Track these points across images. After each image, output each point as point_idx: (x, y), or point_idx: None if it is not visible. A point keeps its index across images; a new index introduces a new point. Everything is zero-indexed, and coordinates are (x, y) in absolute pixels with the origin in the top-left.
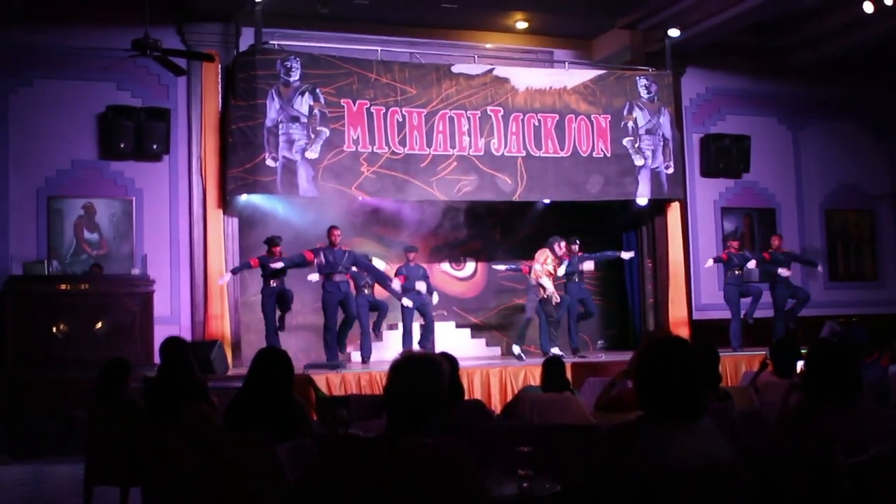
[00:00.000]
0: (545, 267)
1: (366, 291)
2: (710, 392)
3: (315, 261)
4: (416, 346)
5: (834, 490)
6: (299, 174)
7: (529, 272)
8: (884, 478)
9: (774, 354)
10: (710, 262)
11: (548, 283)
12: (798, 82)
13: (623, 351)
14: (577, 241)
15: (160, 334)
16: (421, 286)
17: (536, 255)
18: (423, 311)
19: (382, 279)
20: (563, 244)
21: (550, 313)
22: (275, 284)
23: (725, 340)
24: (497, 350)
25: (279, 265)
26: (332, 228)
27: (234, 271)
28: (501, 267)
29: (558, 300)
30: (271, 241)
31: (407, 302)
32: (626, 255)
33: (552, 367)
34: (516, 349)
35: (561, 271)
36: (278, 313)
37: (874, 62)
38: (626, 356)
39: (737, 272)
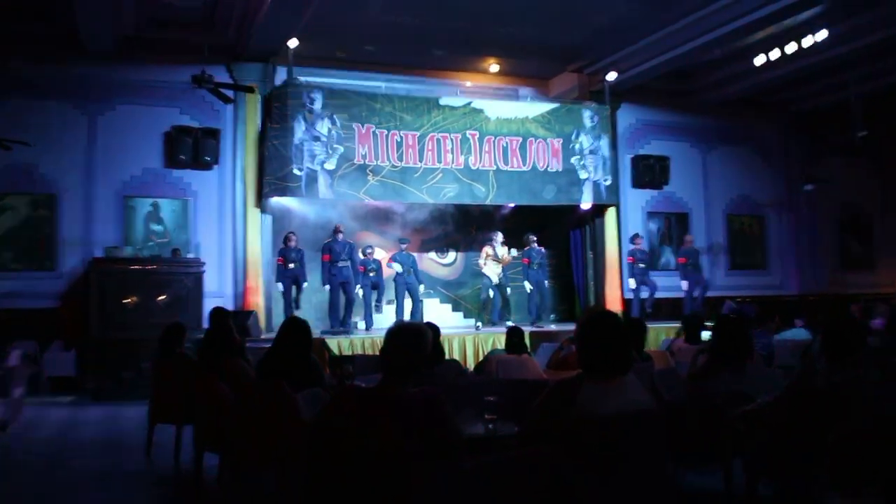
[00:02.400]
0: (485, 259)
1: (371, 274)
2: (635, 354)
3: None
4: (406, 318)
5: (727, 430)
6: (319, 181)
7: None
8: (766, 421)
9: (686, 326)
10: (633, 283)
11: (490, 272)
12: (707, 115)
13: (570, 322)
14: (535, 237)
15: (208, 304)
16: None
17: (482, 252)
18: (412, 291)
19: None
20: (500, 236)
21: (503, 291)
22: (292, 266)
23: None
24: (472, 321)
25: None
26: (336, 226)
27: (277, 279)
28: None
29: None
30: (287, 237)
31: (397, 267)
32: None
33: (513, 335)
34: (476, 322)
35: (513, 254)
36: (294, 293)
37: (764, 101)
38: (572, 327)
39: (641, 265)
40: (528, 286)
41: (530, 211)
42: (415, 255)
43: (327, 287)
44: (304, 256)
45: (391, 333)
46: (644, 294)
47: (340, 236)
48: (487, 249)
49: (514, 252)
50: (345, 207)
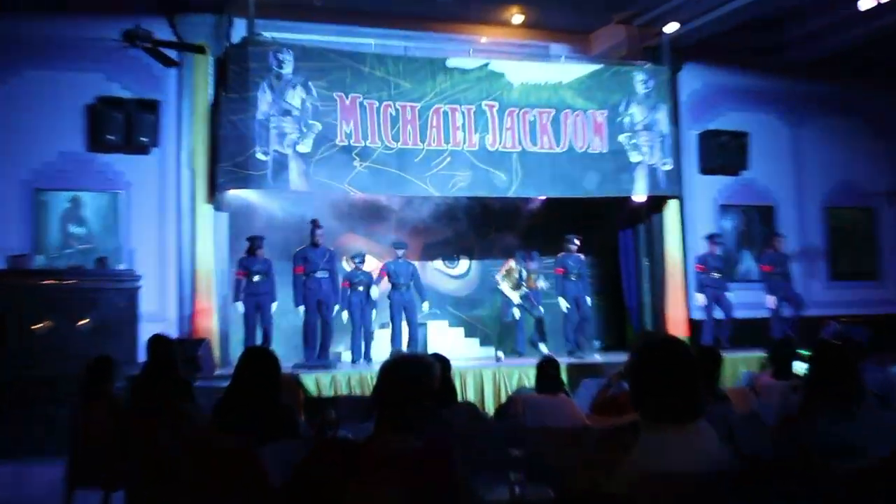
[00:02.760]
0: (505, 280)
1: (360, 289)
2: (707, 394)
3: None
4: (405, 347)
5: (831, 496)
6: (290, 168)
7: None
8: (882, 484)
9: (774, 355)
10: (702, 299)
11: (509, 291)
12: (797, 78)
13: (619, 352)
14: (576, 241)
15: (146, 332)
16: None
17: (503, 266)
18: (408, 312)
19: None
20: (531, 265)
21: (530, 311)
22: (256, 281)
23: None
24: (492, 350)
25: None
26: (314, 227)
27: (235, 299)
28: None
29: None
30: (253, 242)
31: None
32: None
33: (546, 368)
34: (496, 352)
35: (542, 283)
36: (259, 316)
37: (873, 57)
38: (623, 357)
39: (716, 274)
40: (563, 304)
41: (566, 206)
42: (415, 263)
43: (301, 308)
44: (273, 268)
45: (386, 368)
46: (718, 314)
47: (319, 238)
48: (512, 265)
49: (541, 282)
50: (324, 203)
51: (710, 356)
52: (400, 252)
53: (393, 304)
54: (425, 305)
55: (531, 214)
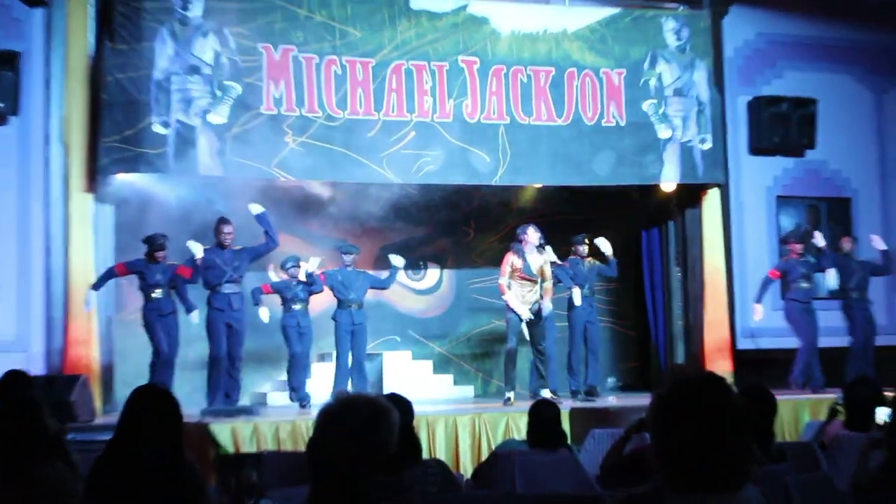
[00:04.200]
0: (509, 279)
1: (296, 308)
2: (757, 451)
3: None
4: (351, 387)
5: None
6: (200, 146)
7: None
8: None
9: (848, 400)
10: (759, 312)
11: (515, 303)
12: (883, 29)
13: (642, 392)
14: (585, 241)
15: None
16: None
17: (502, 264)
18: (357, 338)
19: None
20: (533, 232)
21: (537, 340)
22: (156, 297)
23: (780, 379)
24: (469, 390)
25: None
26: (220, 223)
27: (95, 286)
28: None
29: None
30: (152, 243)
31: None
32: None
33: (542, 415)
34: (508, 392)
35: (546, 303)
36: (166, 341)
37: None
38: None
39: (803, 284)
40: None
41: (570, 198)
42: (367, 273)
43: (195, 313)
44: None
45: (326, 415)
46: (794, 341)
47: (227, 237)
48: (513, 260)
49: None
50: (244, 191)
51: (762, 400)
52: (348, 258)
53: (338, 326)
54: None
55: (523, 210)
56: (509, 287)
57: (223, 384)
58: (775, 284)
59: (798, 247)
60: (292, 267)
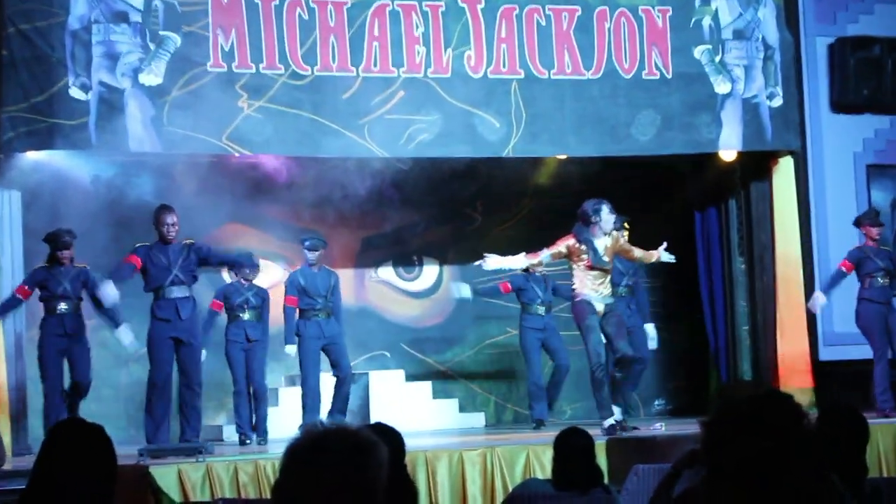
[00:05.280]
0: (580, 265)
1: (244, 317)
2: (841, 486)
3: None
4: (326, 416)
5: None
6: (129, 114)
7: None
8: None
9: None
10: (821, 299)
11: (592, 296)
12: None
13: (695, 418)
14: (624, 226)
15: None
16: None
17: (556, 242)
18: (333, 354)
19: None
20: (608, 214)
21: (610, 337)
22: (64, 308)
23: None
24: (479, 418)
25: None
26: (161, 213)
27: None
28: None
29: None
30: (55, 241)
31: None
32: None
33: (570, 447)
34: (607, 421)
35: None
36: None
37: None
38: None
39: (880, 279)
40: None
41: (603, 171)
42: (342, 272)
43: (144, 350)
44: (98, 283)
45: (294, 455)
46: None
47: (171, 229)
48: (571, 243)
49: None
50: (187, 171)
51: (849, 424)
52: (312, 255)
53: (303, 341)
54: (290, 349)
55: (542, 188)
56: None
57: (167, 415)
58: (851, 279)
59: (875, 230)
60: (247, 267)
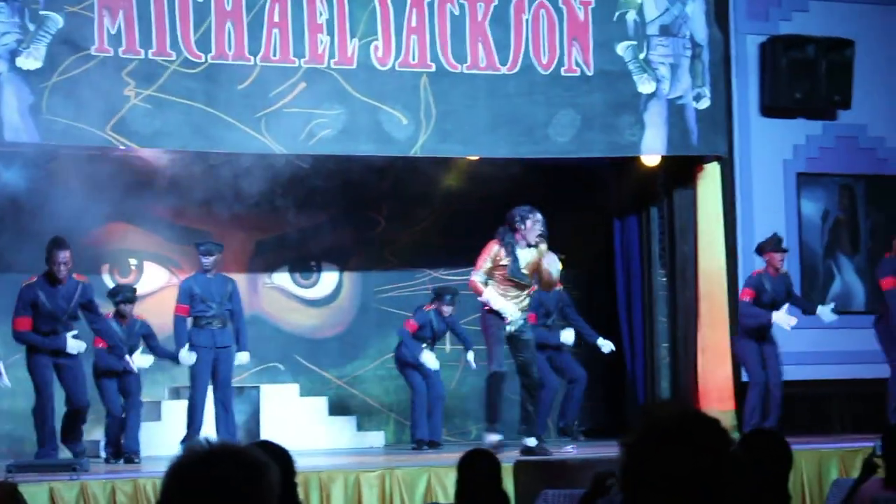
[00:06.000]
0: (485, 275)
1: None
2: None
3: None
4: (211, 433)
5: None
6: (4, 100)
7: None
8: None
9: (887, 451)
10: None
11: (501, 301)
12: None
13: (610, 440)
14: (561, 259)
15: None
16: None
17: (482, 255)
18: (220, 366)
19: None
20: (534, 223)
21: (525, 363)
22: None
23: (810, 423)
24: (378, 437)
25: None
26: (55, 249)
27: None
28: None
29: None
30: None
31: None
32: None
33: (476, 470)
34: (492, 437)
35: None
36: None
37: None
38: (616, 450)
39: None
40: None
41: (519, 175)
42: (233, 277)
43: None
44: None
45: (176, 474)
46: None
47: (63, 268)
48: (496, 252)
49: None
50: (69, 167)
51: (771, 449)
52: (208, 260)
53: (196, 351)
54: (243, 356)
55: (453, 191)
56: (485, 285)
57: (49, 429)
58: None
59: (778, 257)
60: (121, 302)
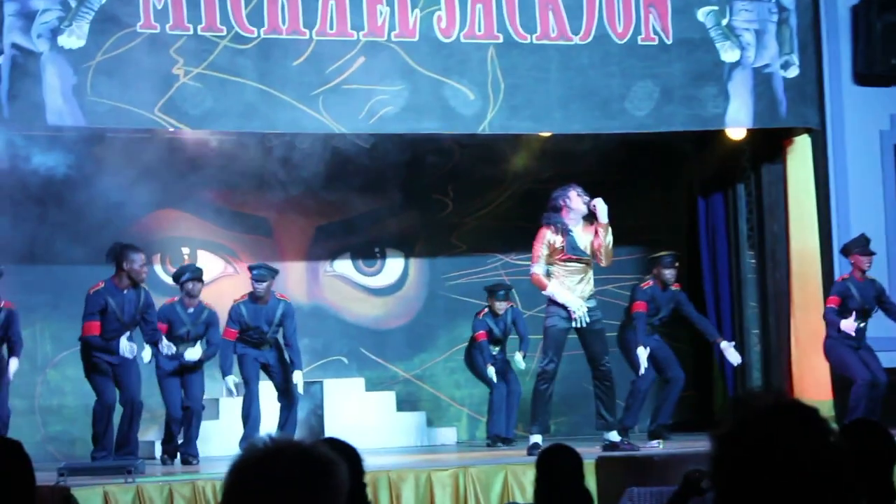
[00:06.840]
0: (546, 264)
1: (165, 349)
2: None
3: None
4: (273, 431)
5: None
6: (47, 81)
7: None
8: None
9: None
10: (852, 322)
11: (566, 295)
12: None
13: (699, 434)
14: (675, 264)
15: None
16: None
17: (535, 245)
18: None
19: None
20: (577, 196)
21: (597, 354)
22: None
23: None
24: (451, 433)
25: None
26: (126, 251)
27: None
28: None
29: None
30: None
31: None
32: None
33: (555, 468)
34: (532, 438)
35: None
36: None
37: None
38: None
39: (860, 324)
40: (643, 357)
41: (591, 149)
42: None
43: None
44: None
45: (239, 474)
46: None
47: (142, 272)
48: (549, 237)
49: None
50: (116, 150)
51: (874, 441)
52: (260, 287)
53: (242, 358)
54: (297, 377)
55: (524, 170)
56: (548, 276)
57: (107, 431)
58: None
59: (865, 261)
60: (190, 280)
